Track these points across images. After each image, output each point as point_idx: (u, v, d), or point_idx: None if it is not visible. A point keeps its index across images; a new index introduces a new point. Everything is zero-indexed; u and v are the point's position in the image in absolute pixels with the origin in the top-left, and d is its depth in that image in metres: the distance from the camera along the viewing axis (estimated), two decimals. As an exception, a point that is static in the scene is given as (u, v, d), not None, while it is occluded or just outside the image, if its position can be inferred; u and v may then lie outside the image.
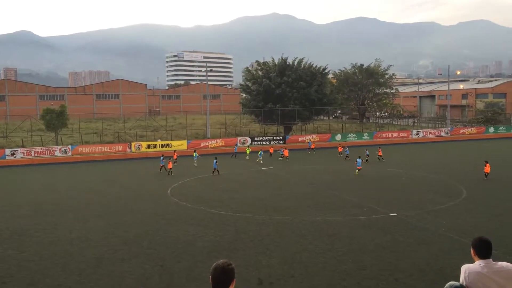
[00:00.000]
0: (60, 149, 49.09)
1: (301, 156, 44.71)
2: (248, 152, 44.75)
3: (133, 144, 51.76)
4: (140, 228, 19.90)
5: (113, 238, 18.45)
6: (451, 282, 4.89)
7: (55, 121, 54.68)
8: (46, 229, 20.11)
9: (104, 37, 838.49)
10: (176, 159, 41.05)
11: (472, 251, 5.06)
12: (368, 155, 39.63)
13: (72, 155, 48.56)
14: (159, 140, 56.43)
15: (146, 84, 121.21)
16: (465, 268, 4.91)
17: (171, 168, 35.17)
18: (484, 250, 4.97)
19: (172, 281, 13.64)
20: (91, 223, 21.01)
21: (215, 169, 34.24)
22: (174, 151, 45.64)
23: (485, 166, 30.51)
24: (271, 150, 45.41)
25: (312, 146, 49.68)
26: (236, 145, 50.92)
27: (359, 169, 33.36)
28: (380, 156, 40.28)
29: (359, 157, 34.29)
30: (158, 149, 51.74)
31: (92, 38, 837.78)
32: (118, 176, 36.25)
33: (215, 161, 34.53)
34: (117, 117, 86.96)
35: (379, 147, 41.86)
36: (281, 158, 42.82)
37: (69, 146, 50.01)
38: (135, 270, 14.67)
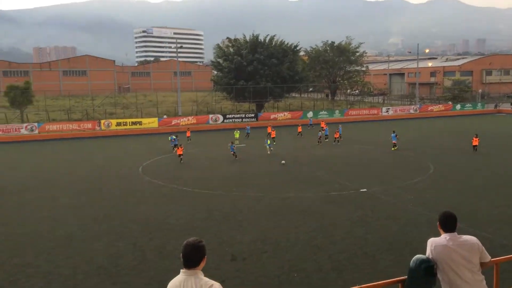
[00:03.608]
0: (26, 126, 47.67)
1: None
2: (237, 136, 39.82)
3: (102, 121, 50.72)
4: (110, 206, 19.68)
5: (83, 216, 18.21)
6: (418, 256, 5.04)
7: (19, 98, 52.87)
8: (13, 209, 19.64)
9: (68, 12, 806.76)
10: (189, 136, 40.09)
11: (438, 225, 5.22)
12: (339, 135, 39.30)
13: (39, 133, 47.27)
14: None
15: (114, 61, 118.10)
16: (431, 242, 5.07)
17: (181, 154, 30.29)
18: (449, 224, 5.12)
19: (145, 259, 13.62)
20: (60, 202, 20.63)
21: (233, 153, 31.05)
22: (188, 128, 43.40)
23: (474, 139, 31.66)
24: (273, 134, 39.55)
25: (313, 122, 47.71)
26: (247, 127, 44.65)
27: (394, 144, 33.47)
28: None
29: (394, 132, 34.13)
30: (128, 126, 50.93)
31: (56, 12, 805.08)
32: (87, 154, 35.55)
33: (232, 146, 31.48)
34: (85, 94, 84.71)
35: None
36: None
37: (36, 124, 48.61)
38: (107, 248, 14.56)
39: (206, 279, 3.87)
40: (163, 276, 12.00)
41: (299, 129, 43.60)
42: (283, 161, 28.19)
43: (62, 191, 22.92)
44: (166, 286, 4.00)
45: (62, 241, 15.31)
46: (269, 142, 33.56)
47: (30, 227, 16.94)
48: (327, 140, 38.64)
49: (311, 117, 55.74)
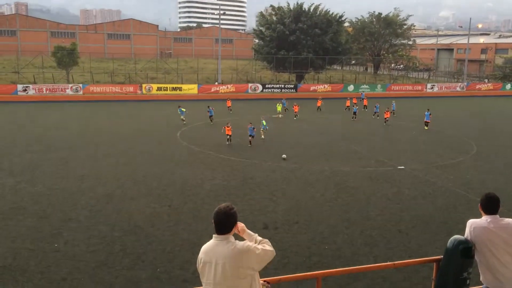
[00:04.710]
0: (71, 87, 49.17)
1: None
2: (279, 109, 38.28)
3: (143, 86, 51.59)
4: (149, 169, 20.22)
5: (123, 177, 18.82)
6: (456, 236, 4.91)
7: (66, 58, 54.41)
8: (58, 165, 20.53)
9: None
10: (230, 107, 39.58)
11: (479, 207, 5.02)
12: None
13: (83, 94, 48.70)
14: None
15: (158, 25, 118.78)
16: (471, 223, 4.90)
17: (230, 135, 25.90)
18: (491, 206, 4.92)
19: (180, 221, 14.00)
20: (101, 162, 21.38)
21: (251, 137, 25.79)
22: (227, 98, 42.32)
23: None
24: (295, 109, 36.85)
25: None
26: (283, 100, 41.03)
27: (427, 123, 31.99)
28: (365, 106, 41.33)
29: (428, 110, 32.49)
30: (168, 92, 51.59)
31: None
32: (128, 117, 36.43)
33: (251, 128, 25.87)
34: (128, 58, 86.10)
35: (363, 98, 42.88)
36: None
37: (80, 85, 50.03)
38: (144, 208, 15.05)
39: (237, 241, 3.92)
40: (196, 239, 12.33)
41: (348, 103, 42.17)
42: (284, 155, 22.63)
43: (103, 151, 23.70)
44: (199, 248, 4.08)
45: (102, 199, 15.93)
46: (264, 123, 28.06)
47: (73, 184, 17.70)
48: (378, 117, 36.83)
49: (363, 91, 53.87)
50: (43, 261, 11.19)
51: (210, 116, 33.33)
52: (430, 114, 32.26)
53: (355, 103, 39.81)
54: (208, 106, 34.33)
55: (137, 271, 10.74)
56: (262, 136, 27.36)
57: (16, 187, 17.23)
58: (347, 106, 41.73)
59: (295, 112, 36.79)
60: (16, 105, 41.91)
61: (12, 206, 15.11)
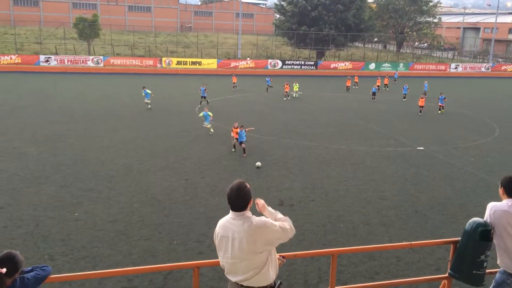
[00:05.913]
0: (92, 59, 49.51)
1: (339, 83, 43.80)
2: (296, 88, 35.09)
3: (163, 59, 51.60)
4: (167, 142, 20.40)
5: (142, 150, 19.05)
6: (475, 219, 4.86)
7: (87, 30, 54.59)
8: (79, 136, 20.87)
9: None
10: (235, 82, 38.36)
11: (500, 190, 4.94)
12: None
13: (104, 66, 49.02)
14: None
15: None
16: (491, 206, 4.85)
17: (237, 138, 18.98)
18: (513, 189, 4.84)
19: (196, 195, 14.17)
20: (121, 134, 21.65)
21: (241, 143, 18.90)
22: (233, 74, 40.70)
23: None
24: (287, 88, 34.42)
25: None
26: (267, 79, 39.44)
27: (441, 107, 30.47)
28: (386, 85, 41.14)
29: (441, 94, 30.97)
30: (188, 66, 51.54)
31: None
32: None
33: (242, 131, 18.88)
34: (148, 31, 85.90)
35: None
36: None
37: (101, 57, 50.32)
38: (161, 181, 15.25)
39: (254, 217, 3.95)
40: (212, 213, 12.48)
41: (378, 82, 40.15)
42: (258, 163, 17.31)
43: (123, 123, 23.97)
44: (214, 222, 4.14)
45: (121, 171, 16.19)
46: (210, 114, 22.40)
47: (94, 155, 18.00)
48: (404, 99, 35.25)
49: (396, 71, 52.56)
50: (64, 229, 11.49)
51: (202, 97, 29.76)
52: (444, 98, 30.68)
53: (378, 85, 39.13)
54: (205, 84, 30.96)
55: (154, 242, 10.96)
56: (211, 130, 22.34)
57: (39, 156, 17.62)
58: (378, 85, 39.34)
59: (286, 91, 34.18)
60: (38, 76, 42.46)
61: (35, 175, 15.49)
